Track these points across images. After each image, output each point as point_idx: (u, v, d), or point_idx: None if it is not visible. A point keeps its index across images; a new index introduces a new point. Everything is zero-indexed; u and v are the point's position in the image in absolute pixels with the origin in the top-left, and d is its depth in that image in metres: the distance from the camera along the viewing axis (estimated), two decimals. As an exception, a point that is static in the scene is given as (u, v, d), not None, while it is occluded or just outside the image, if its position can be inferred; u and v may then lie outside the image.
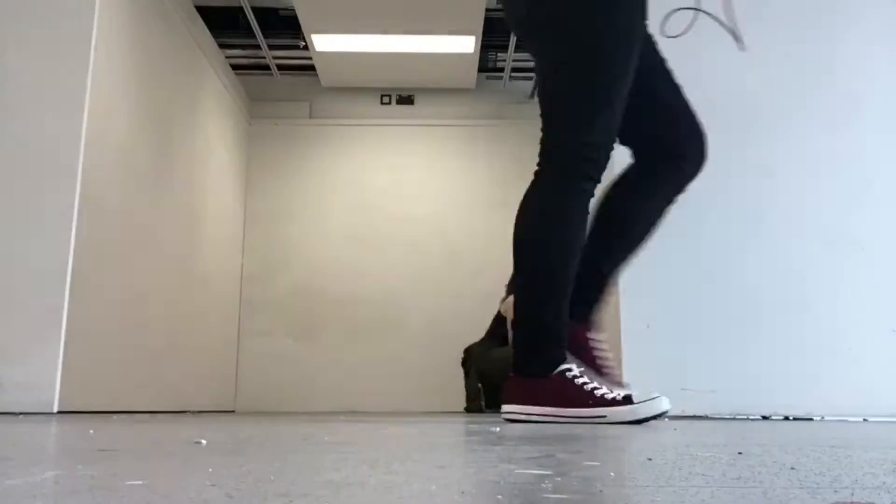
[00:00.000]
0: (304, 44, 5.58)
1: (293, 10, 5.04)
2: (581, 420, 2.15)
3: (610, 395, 2.16)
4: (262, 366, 5.82)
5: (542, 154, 2.35)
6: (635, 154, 2.51)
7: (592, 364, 2.28)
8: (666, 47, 3.88)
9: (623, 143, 2.47)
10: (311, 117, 6.26)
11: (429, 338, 5.84)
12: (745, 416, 3.49)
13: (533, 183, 2.40)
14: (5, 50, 3.31)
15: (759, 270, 3.66)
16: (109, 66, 3.56)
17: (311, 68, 5.97)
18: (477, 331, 5.85)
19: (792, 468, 0.97)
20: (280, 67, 6.10)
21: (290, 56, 5.94)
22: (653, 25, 2.63)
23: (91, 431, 1.84)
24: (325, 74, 5.98)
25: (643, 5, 2.36)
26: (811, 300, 3.63)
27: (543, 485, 0.79)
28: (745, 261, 3.67)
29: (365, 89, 6.26)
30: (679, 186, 2.52)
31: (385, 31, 5.22)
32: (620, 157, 2.69)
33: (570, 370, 2.18)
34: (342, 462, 1.08)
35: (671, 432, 2.03)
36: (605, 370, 2.23)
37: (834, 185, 3.74)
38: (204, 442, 1.44)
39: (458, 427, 2.28)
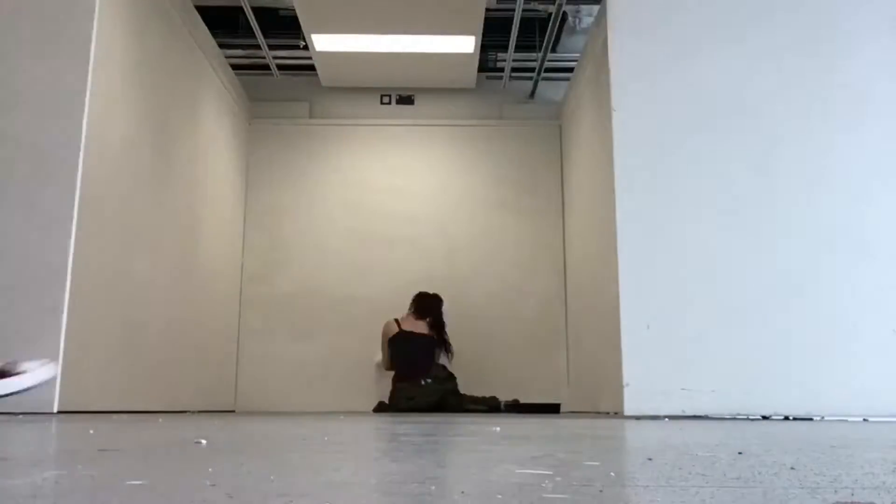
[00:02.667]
0: (304, 44, 5.58)
1: (293, 10, 5.04)
2: None
3: None
4: (262, 366, 5.81)
5: None
6: None
7: None
8: (667, 49, 3.88)
9: None
10: (311, 117, 6.26)
11: (429, 338, 5.84)
12: (745, 416, 3.49)
13: None
14: (5, 50, 3.31)
15: (759, 271, 3.66)
16: (109, 66, 3.56)
17: (311, 68, 5.96)
18: (477, 330, 5.84)
19: (792, 468, 0.97)
20: (280, 67, 6.09)
21: (290, 56, 5.94)
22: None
23: (91, 431, 1.84)
24: (325, 74, 5.97)
25: None
26: (811, 300, 3.63)
27: (543, 485, 0.79)
28: (745, 261, 3.67)
29: (365, 89, 6.26)
30: None
31: (385, 31, 5.21)
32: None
33: None
34: (342, 462, 1.08)
35: (671, 432, 2.03)
36: None
37: (834, 186, 3.74)
38: (204, 442, 1.44)
39: (458, 427, 2.28)
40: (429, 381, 5.19)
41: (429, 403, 5.09)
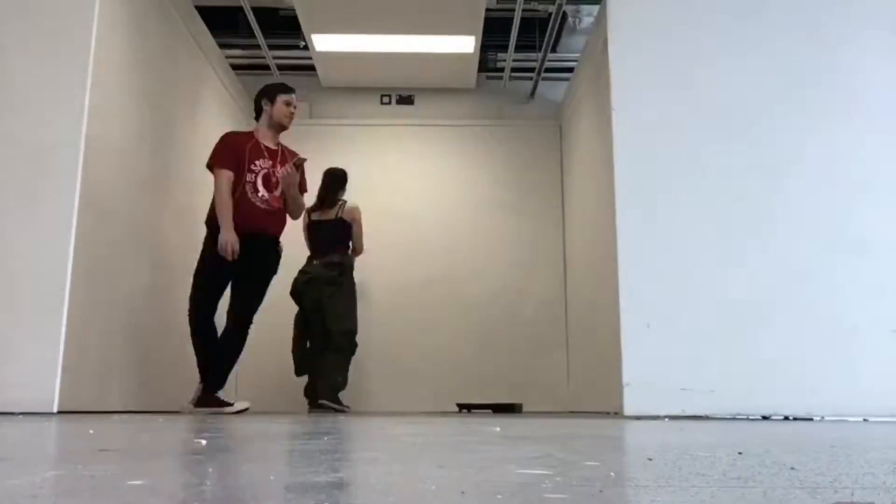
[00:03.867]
0: (304, 44, 5.58)
1: (293, 10, 5.04)
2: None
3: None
4: (262, 365, 5.81)
5: None
6: None
7: None
8: (667, 49, 3.88)
9: None
10: (311, 117, 6.25)
11: (427, 337, 5.84)
12: (745, 416, 3.49)
13: None
14: (6, 50, 3.31)
15: (759, 271, 3.66)
16: (109, 66, 3.56)
17: (311, 68, 5.97)
18: (476, 330, 5.85)
19: (792, 468, 0.98)
20: (280, 67, 6.09)
21: (290, 56, 5.94)
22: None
23: (91, 431, 1.84)
24: (325, 74, 5.97)
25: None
26: (811, 300, 3.62)
27: (543, 485, 0.79)
28: (745, 261, 3.67)
29: (365, 89, 6.26)
30: None
31: (385, 31, 5.21)
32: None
33: None
34: (342, 462, 1.08)
35: (671, 432, 2.03)
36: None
37: (834, 186, 3.74)
38: (204, 442, 1.44)
39: (458, 427, 2.28)
40: (316, 262, 5.02)
41: (307, 285, 4.96)
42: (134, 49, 3.86)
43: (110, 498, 0.69)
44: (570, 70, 5.78)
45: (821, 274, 3.65)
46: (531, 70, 6.03)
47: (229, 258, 3.84)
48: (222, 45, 5.47)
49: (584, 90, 5.14)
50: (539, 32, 5.67)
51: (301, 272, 5.05)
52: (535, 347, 5.82)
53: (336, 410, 4.76)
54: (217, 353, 3.99)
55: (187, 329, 4.76)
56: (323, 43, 5.39)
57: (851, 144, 3.78)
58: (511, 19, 5.28)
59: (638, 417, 3.40)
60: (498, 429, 2.11)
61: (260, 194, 4.01)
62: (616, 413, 3.77)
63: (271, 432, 1.95)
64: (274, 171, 4.07)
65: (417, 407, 5.70)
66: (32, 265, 3.13)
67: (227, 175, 3.93)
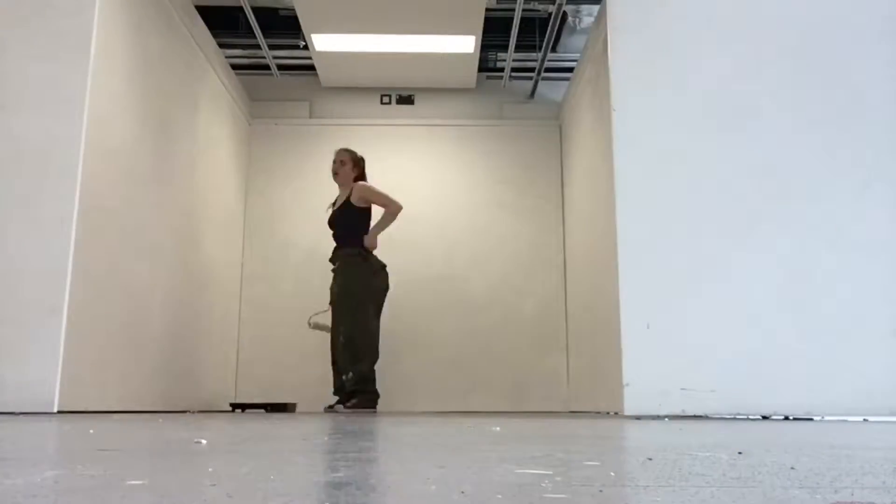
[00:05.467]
0: (304, 44, 5.58)
1: (293, 10, 5.04)
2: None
3: None
4: (262, 366, 5.81)
5: None
6: None
7: None
8: (667, 49, 3.88)
9: None
10: (311, 117, 6.25)
11: (427, 337, 5.84)
12: (745, 416, 3.49)
13: None
14: (5, 50, 3.31)
15: (759, 271, 3.66)
16: (109, 66, 3.56)
17: (311, 68, 5.97)
18: (476, 330, 5.85)
19: (792, 468, 0.98)
20: (280, 67, 6.10)
21: (290, 56, 5.94)
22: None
23: (91, 431, 1.84)
24: (325, 74, 5.98)
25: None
26: (811, 300, 3.63)
27: (543, 485, 0.79)
28: (745, 261, 3.67)
29: (365, 89, 6.26)
30: None
31: (385, 31, 5.21)
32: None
33: None
34: (342, 462, 1.08)
35: (671, 432, 2.03)
36: None
37: (834, 185, 3.74)
38: (204, 442, 1.44)
39: (458, 427, 2.28)
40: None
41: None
42: (134, 49, 3.86)
43: (110, 498, 0.69)
44: (570, 70, 5.78)
45: (821, 274, 3.65)
46: (531, 70, 6.03)
47: None
48: (222, 45, 5.47)
49: (584, 90, 5.14)
50: (539, 32, 5.67)
51: (383, 267, 4.99)
52: (535, 347, 5.82)
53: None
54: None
55: (187, 329, 4.77)
56: (323, 43, 5.40)
57: (852, 144, 3.78)
58: (511, 19, 5.28)
59: (638, 417, 3.40)
60: (498, 429, 2.11)
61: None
62: (616, 413, 3.77)
63: (271, 433, 1.94)
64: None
65: (417, 407, 5.70)
66: (32, 265, 3.13)
67: None
